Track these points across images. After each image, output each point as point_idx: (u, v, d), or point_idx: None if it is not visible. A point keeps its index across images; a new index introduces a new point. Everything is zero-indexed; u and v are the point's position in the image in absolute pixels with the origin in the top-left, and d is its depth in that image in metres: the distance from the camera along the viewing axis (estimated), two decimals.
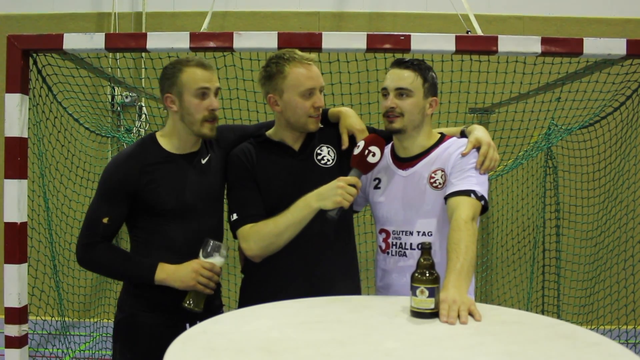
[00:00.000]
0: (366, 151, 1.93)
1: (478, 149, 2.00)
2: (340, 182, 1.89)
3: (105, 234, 2.05)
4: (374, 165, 1.97)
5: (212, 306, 2.17)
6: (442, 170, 2.02)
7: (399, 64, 2.06)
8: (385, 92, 2.06)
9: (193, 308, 2.00)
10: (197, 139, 2.13)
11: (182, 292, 2.05)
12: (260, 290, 2.11)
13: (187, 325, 2.07)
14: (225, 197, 2.23)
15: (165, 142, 2.12)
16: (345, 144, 2.16)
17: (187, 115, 2.06)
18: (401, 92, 2.02)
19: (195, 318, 2.07)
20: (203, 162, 2.15)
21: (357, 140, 2.14)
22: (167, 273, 2.00)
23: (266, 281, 2.11)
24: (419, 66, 2.05)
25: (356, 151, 1.96)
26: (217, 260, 2.04)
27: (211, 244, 2.04)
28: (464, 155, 1.99)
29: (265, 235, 1.99)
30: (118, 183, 2.03)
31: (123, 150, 2.20)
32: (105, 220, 2.02)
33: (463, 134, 2.15)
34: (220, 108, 3.88)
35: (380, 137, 1.99)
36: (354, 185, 1.89)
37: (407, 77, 2.03)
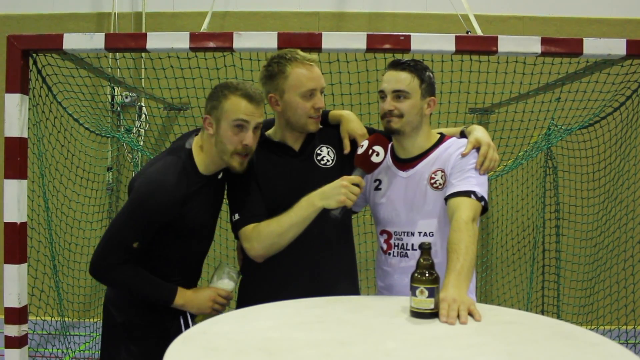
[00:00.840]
0: (370, 151, 1.93)
1: (478, 149, 2.00)
2: (344, 181, 1.88)
3: (131, 256, 1.98)
4: (378, 165, 1.96)
5: None
6: (442, 171, 2.02)
7: (395, 65, 2.05)
8: (382, 95, 2.06)
9: (201, 321, 2.02)
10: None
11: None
12: (260, 289, 2.11)
13: (180, 317, 2.11)
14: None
15: (201, 161, 2.05)
16: (347, 148, 2.16)
17: (220, 143, 1.99)
18: (398, 95, 2.02)
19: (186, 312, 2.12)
20: (219, 177, 2.13)
21: (358, 145, 2.15)
22: (185, 299, 2.04)
23: (265, 281, 2.11)
24: (415, 67, 2.04)
25: (360, 151, 1.95)
26: (230, 285, 2.12)
27: (226, 270, 2.10)
28: (463, 155, 1.99)
29: (268, 234, 1.99)
30: (158, 214, 1.95)
31: (162, 170, 1.99)
32: (135, 245, 1.95)
33: (463, 134, 2.15)
34: None
35: (384, 137, 1.99)
36: (357, 185, 1.89)
37: (404, 79, 2.02)
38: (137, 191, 1.97)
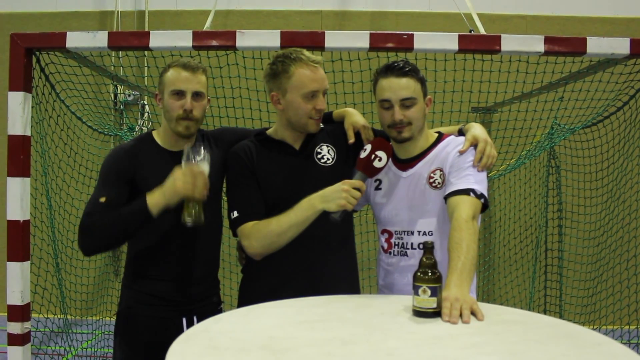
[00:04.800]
0: (373, 155, 1.92)
1: (476, 146, 2.00)
2: (345, 185, 1.87)
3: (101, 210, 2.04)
4: (380, 169, 1.96)
5: (210, 303, 2.22)
6: (441, 170, 2.01)
7: (394, 71, 2.01)
8: (388, 105, 2.01)
9: (194, 220, 1.98)
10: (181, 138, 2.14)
11: (176, 283, 2.12)
12: (260, 287, 2.11)
13: (184, 319, 2.12)
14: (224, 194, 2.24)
15: (157, 134, 2.21)
16: (351, 138, 2.17)
17: (166, 112, 2.13)
18: (407, 103, 2.00)
19: (191, 312, 2.13)
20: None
21: (362, 136, 2.16)
22: (156, 194, 1.97)
23: (266, 279, 2.11)
24: (413, 69, 2.02)
25: (363, 155, 1.95)
26: (200, 165, 1.99)
27: (185, 150, 2.01)
28: (461, 153, 1.99)
29: (267, 233, 1.99)
30: (114, 164, 2.12)
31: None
32: (102, 199, 2.03)
33: (461, 132, 2.15)
34: (223, 107, 3.91)
35: (387, 142, 1.98)
36: (358, 189, 1.88)
37: (409, 86, 1.99)
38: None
